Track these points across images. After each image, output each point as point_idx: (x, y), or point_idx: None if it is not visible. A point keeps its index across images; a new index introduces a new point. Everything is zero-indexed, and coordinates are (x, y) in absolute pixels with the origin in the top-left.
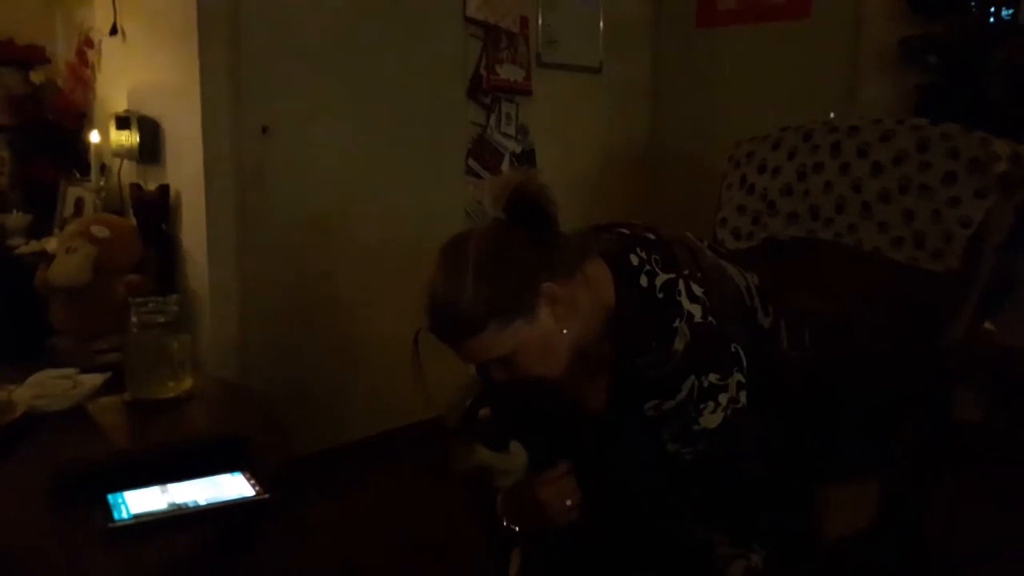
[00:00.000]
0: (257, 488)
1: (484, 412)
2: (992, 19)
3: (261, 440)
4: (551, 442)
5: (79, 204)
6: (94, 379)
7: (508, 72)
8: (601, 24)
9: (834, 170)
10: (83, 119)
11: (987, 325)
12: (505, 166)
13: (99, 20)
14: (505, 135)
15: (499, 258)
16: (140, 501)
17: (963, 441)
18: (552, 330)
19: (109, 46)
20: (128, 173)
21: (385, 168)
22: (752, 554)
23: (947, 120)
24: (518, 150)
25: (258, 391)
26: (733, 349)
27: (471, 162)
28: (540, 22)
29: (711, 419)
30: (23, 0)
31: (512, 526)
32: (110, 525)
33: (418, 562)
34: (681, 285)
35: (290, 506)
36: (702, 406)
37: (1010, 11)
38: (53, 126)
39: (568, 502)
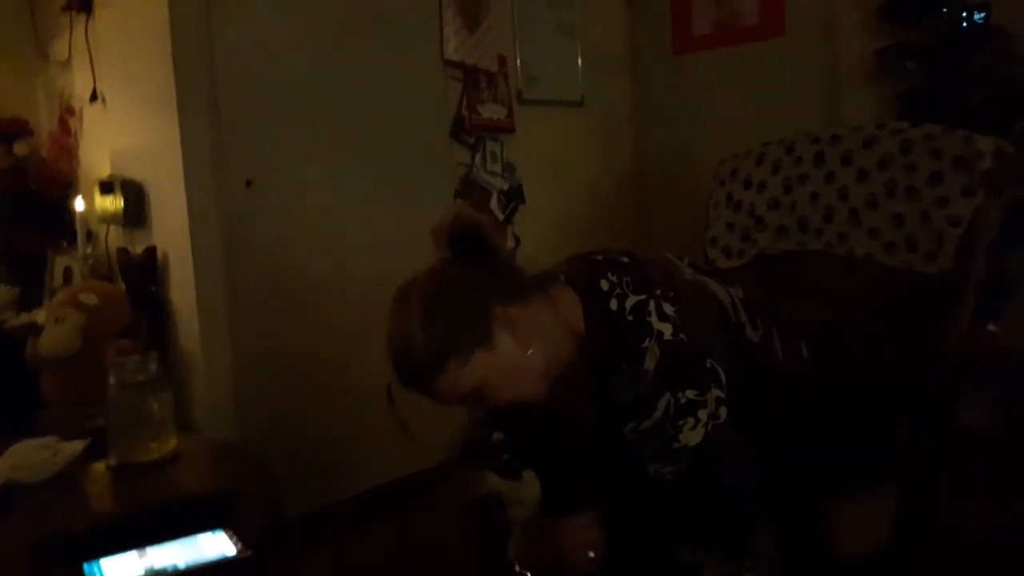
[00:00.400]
0: (239, 546)
1: (497, 437)
2: (965, 23)
3: (247, 496)
4: (561, 472)
5: (67, 273)
6: (74, 446)
7: (490, 111)
8: (579, 58)
9: (819, 180)
10: (68, 187)
11: (990, 327)
12: (493, 204)
13: (79, 88)
14: (492, 173)
15: (444, 295)
16: (117, 569)
17: (972, 445)
18: (515, 353)
19: (90, 113)
20: (115, 238)
21: (372, 214)
22: (744, 573)
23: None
24: (506, 187)
25: (251, 447)
26: (709, 365)
27: (459, 203)
28: (519, 60)
29: (691, 436)
30: (3, 71)
31: (524, 572)
32: None
33: None
34: (651, 306)
35: (288, 562)
36: (680, 423)
37: (982, 14)
38: (38, 197)
39: (591, 553)
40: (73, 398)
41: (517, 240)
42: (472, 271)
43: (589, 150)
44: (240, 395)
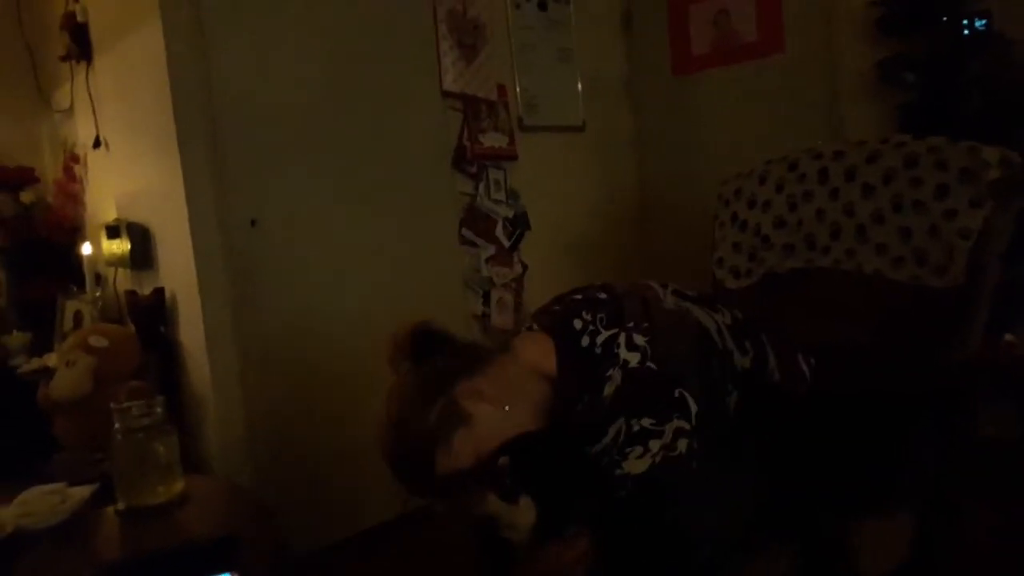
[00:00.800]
0: None
1: (503, 461)
2: (967, 31)
3: (254, 539)
4: (557, 495)
5: (78, 317)
6: (82, 492)
7: (491, 140)
8: (579, 83)
9: (824, 197)
10: (75, 233)
11: (1008, 337)
12: (499, 232)
13: (82, 135)
14: (496, 201)
15: (409, 400)
16: None
17: (992, 458)
18: (493, 416)
19: (94, 158)
20: (123, 280)
21: (378, 247)
22: None
23: (933, 135)
24: (510, 214)
25: (261, 486)
26: (677, 394)
27: (465, 232)
28: (518, 87)
29: (636, 464)
30: (7, 120)
31: None
32: None
33: None
34: (622, 338)
35: None
36: (628, 450)
37: (983, 21)
38: (46, 243)
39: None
40: (86, 440)
41: (524, 266)
42: (432, 364)
43: (592, 174)
44: (251, 433)
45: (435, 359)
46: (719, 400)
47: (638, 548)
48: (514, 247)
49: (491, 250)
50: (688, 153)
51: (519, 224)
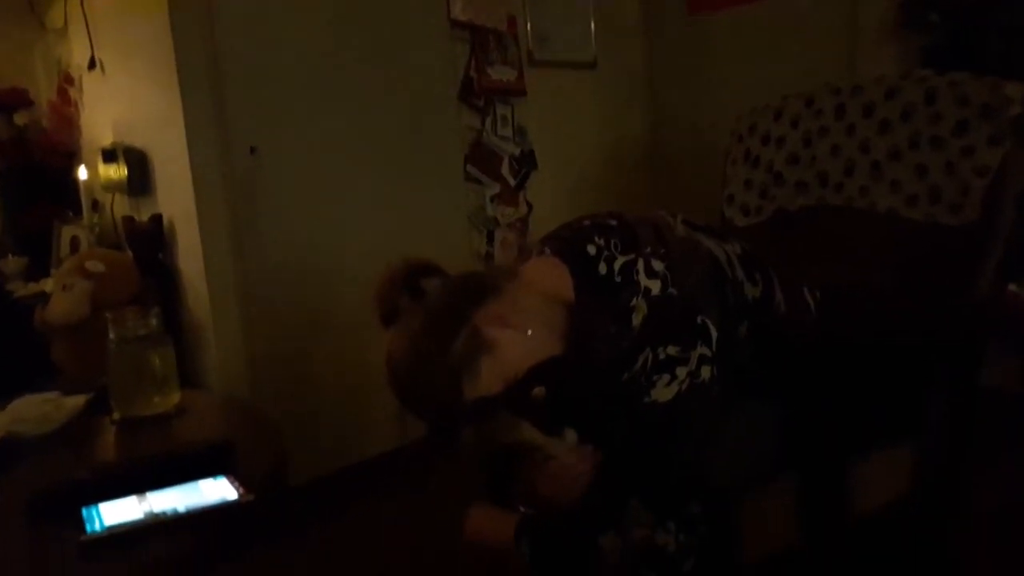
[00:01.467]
0: (241, 491)
1: (538, 391)
2: None
3: (251, 447)
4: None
5: (74, 243)
6: (76, 401)
7: (500, 73)
8: (592, 17)
9: (840, 133)
10: (71, 157)
11: (1012, 287)
12: (505, 170)
13: (77, 56)
14: (503, 138)
15: (424, 333)
16: (115, 512)
17: (993, 408)
18: (519, 341)
19: (90, 81)
20: (120, 207)
21: (380, 179)
22: (663, 532)
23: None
24: (517, 152)
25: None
26: (699, 321)
27: (470, 168)
28: (529, 20)
29: (664, 392)
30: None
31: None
32: (82, 539)
33: None
34: (640, 264)
35: (298, 527)
36: (655, 378)
37: None
38: (41, 167)
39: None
40: (83, 365)
41: (530, 207)
42: (438, 297)
43: (602, 113)
44: (250, 361)
45: (440, 292)
46: (732, 329)
47: (651, 471)
48: (520, 186)
49: (496, 188)
50: (701, 94)
51: (526, 163)
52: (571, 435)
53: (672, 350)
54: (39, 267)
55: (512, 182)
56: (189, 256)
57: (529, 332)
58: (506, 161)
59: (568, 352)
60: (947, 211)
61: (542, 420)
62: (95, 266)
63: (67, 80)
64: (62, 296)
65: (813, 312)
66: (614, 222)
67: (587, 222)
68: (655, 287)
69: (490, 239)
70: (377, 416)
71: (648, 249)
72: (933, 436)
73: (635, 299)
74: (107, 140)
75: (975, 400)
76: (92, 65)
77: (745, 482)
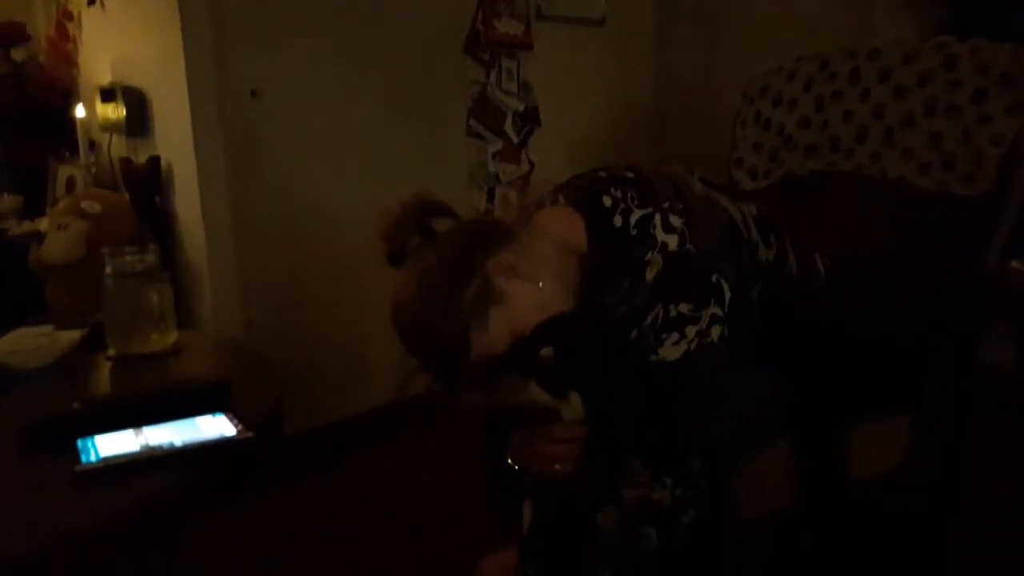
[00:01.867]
0: (240, 427)
1: (546, 352)
2: None
3: (248, 385)
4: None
5: (71, 182)
6: (71, 335)
7: (507, 26)
8: None
9: (854, 98)
10: (69, 96)
11: (1015, 264)
12: (508, 126)
13: None
14: (507, 92)
15: (433, 279)
16: (111, 444)
17: (992, 386)
18: (529, 293)
19: (89, 17)
20: (118, 147)
21: (381, 128)
22: (659, 488)
23: None
24: (521, 108)
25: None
26: (714, 280)
27: (472, 122)
28: None
29: (671, 351)
30: None
31: (515, 466)
32: (77, 469)
33: (418, 534)
34: (657, 219)
35: (293, 474)
36: (664, 336)
37: None
38: (38, 104)
39: (557, 466)
40: (77, 306)
41: (532, 165)
42: (447, 240)
43: (609, 72)
44: (245, 307)
45: (453, 236)
46: (745, 291)
47: (652, 429)
48: (523, 143)
49: (499, 144)
50: (709, 56)
51: (529, 119)
52: (575, 400)
53: (684, 308)
54: (34, 206)
55: (515, 139)
56: (186, 199)
57: (540, 284)
58: (510, 117)
59: (578, 307)
60: (960, 180)
61: (548, 382)
62: (91, 206)
63: (66, 16)
64: (57, 236)
65: (823, 277)
66: (631, 175)
67: (603, 173)
68: (672, 242)
69: (490, 196)
70: (374, 367)
71: (666, 204)
72: (933, 409)
73: (650, 254)
74: (105, 79)
75: (976, 374)
76: (92, 1)
77: (744, 442)
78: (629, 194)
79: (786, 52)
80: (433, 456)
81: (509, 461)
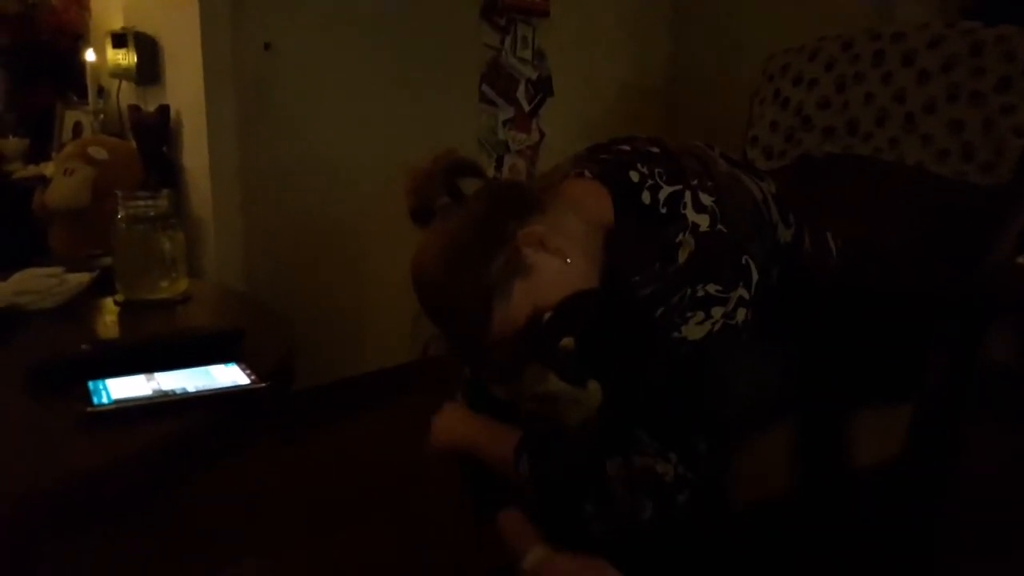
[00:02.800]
0: (253, 377)
1: (566, 343)
2: None
3: (261, 335)
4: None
5: (77, 128)
6: (80, 277)
7: None
8: None
9: (875, 80)
10: (79, 39)
11: (1020, 260)
12: (520, 93)
13: None
14: (521, 59)
15: (460, 244)
16: (123, 388)
17: (994, 382)
18: (555, 268)
19: None
20: (127, 95)
21: (393, 90)
22: (663, 462)
23: None
24: (534, 76)
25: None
26: (744, 261)
27: (485, 88)
28: None
29: (695, 330)
30: None
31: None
32: (88, 410)
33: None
34: (687, 197)
35: (291, 434)
36: (689, 314)
37: None
38: (48, 47)
39: None
40: (80, 251)
41: (542, 134)
42: (478, 203)
43: (625, 44)
44: (249, 262)
45: (483, 200)
46: (767, 273)
47: (664, 405)
48: (534, 112)
49: (510, 112)
50: (727, 31)
51: (542, 88)
52: (594, 386)
53: (712, 288)
54: (40, 150)
55: (527, 107)
56: (194, 151)
57: (568, 260)
58: (522, 84)
59: (601, 286)
60: (978, 170)
61: (566, 369)
62: (98, 152)
63: None
64: (63, 181)
65: (835, 258)
66: (656, 149)
67: (627, 147)
68: (703, 222)
69: (499, 164)
70: (379, 329)
71: (695, 181)
72: (932, 399)
73: (682, 235)
74: (117, 24)
75: (977, 368)
76: None
77: (746, 424)
78: (657, 170)
79: (804, 30)
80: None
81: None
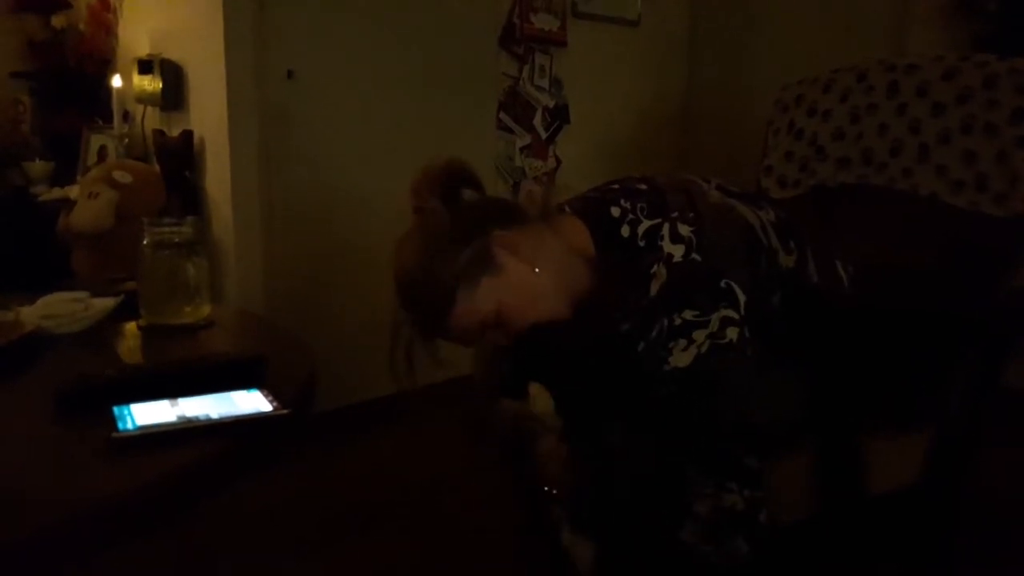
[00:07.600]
0: (275, 404)
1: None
2: None
3: (282, 361)
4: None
5: (102, 152)
6: (106, 302)
7: (543, 21)
8: None
9: (890, 111)
10: (106, 65)
11: None
12: (537, 121)
13: None
14: (539, 88)
15: (442, 232)
16: (147, 413)
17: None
18: (524, 274)
19: None
20: (152, 119)
21: (413, 117)
22: (726, 494)
23: None
24: (551, 104)
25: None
26: (723, 284)
27: (502, 116)
28: None
29: (680, 357)
30: None
31: (552, 491)
32: (113, 436)
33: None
34: (665, 229)
35: (312, 457)
36: (671, 344)
37: None
38: (75, 72)
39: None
40: (103, 275)
41: (558, 161)
42: (468, 205)
43: (641, 73)
44: (269, 287)
45: (471, 204)
46: (766, 297)
47: (696, 435)
48: (551, 139)
49: (527, 139)
50: (741, 62)
51: (559, 116)
52: (536, 390)
53: (689, 315)
54: (65, 173)
55: (543, 134)
56: (217, 176)
57: (536, 271)
58: (539, 112)
59: (578, 318)
60: (992, 201)
61: (508, 388)
62: (123, 176)
63: None
64: (87, 204)
65: (847, 286)
66: (644, 186)
67: (616, 185)
68: (678, 252)
69: (515, 190)
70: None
71: (675, 214)
72: (953, 424)
73: (656, 266)
74: (144, 50)
75: (994, 395)
76: None
77: (768, 447)
78: (639, 205)
79: (817, 61)
80: (450, 444)
81: (547, 489)
